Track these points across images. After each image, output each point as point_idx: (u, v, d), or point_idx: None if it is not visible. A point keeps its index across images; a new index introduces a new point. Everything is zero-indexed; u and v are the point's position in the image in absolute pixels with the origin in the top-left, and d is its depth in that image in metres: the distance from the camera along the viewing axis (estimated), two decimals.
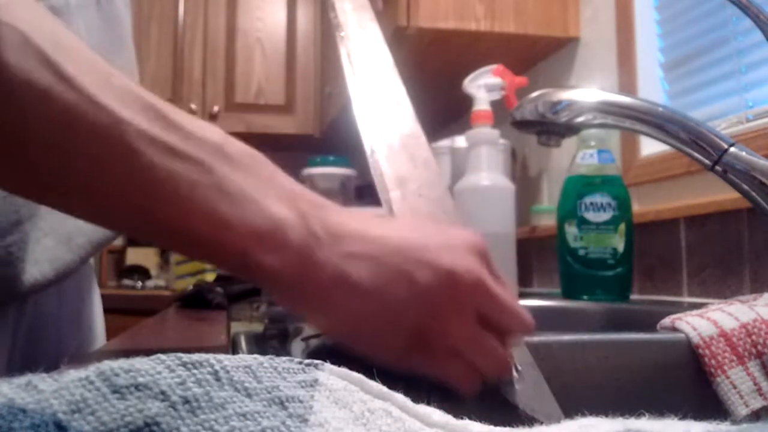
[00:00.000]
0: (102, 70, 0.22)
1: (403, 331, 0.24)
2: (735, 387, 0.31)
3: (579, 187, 0.65)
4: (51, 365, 0.42)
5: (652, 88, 0.80)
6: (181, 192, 0.21)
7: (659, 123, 0.42)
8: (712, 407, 0.31)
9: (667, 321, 0.34)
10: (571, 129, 0.45)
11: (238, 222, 0.22)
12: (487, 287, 0.25)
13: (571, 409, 0.26)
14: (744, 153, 0.41)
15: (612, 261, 0.63)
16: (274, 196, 0.23)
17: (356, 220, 0.25)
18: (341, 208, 0.25)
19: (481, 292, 0.25)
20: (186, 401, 0.14)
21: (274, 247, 0.22)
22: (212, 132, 0.23)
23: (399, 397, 0.16)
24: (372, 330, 0.24)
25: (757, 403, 0.31)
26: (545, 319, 0.59)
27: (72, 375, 0.14)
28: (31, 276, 0.36)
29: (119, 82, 0.22)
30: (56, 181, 0.21)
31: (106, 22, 0.43)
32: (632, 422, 0.13)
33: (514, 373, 0.26)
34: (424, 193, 0.31)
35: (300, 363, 0.16)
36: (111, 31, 0.44)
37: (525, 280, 0.98)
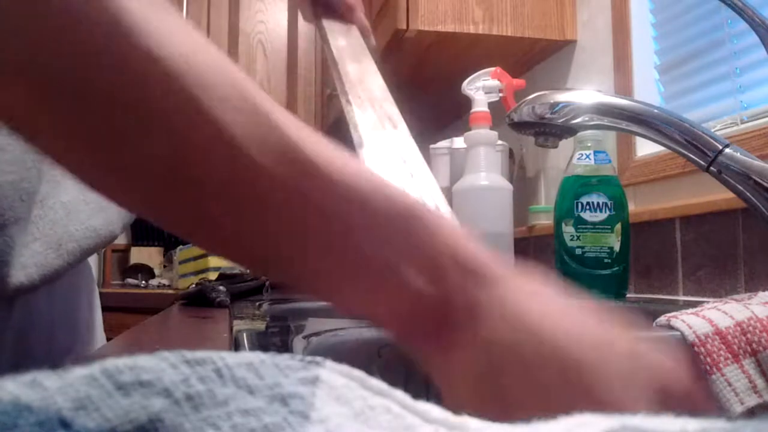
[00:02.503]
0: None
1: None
2: (730, 384, 0.31)
3: (576, 187, 0.66)
4: (42, 366, 0.42)
5: (648, 90, 0.80)
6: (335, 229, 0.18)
7: (655, 124, 0.43)
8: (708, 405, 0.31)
9: (663, 319, 0.34)
10: (568, 130, 0.46)
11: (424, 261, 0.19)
12: None
13: None
14: (738, 154, 0.41)
15: (608, 260, 0.64)
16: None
17: (530, 300, 0.19)
18: (510, 279, 0.19)
19: None
20: (189, 398, 0.14)
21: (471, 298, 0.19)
22: (357, 174, 0.19)
23: (399, 394, 0.17)
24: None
25: (752, 401, 0.31)
26: None
27: (76, 372, 0.14)
28: (16, 280, 0.36)
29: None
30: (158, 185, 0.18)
31: None
32: (629, 419, 0.13)
33: None
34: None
35: (301, 360, 0.16)
36: None
37: None
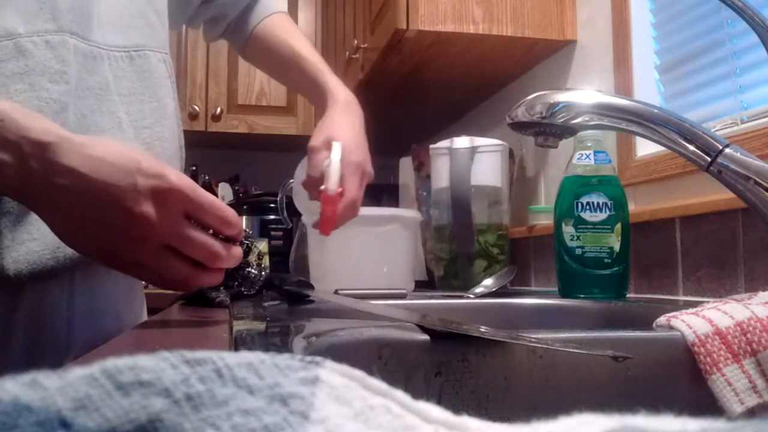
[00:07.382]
0: None
1: (113, 239, 0.33)
2: (730, 384, 0.31)
3: (576, 187, 0.66)
4: (60, 357, 0.44)
5: (648, 90, 0.80)
6: None
7: (655, 124, 0.43)
8: (708, 405, 0.31)
9: (663, 319, 0.34)
10: (568, 130, 0.45)
11: None
12: (190, 193, 0.33)
13: (568, 406, 0.27)
14: (738, 154, 0.41)
15: (608, 260, 0.64)
16: None
17: (75, 155, 0.32)
18: (70, 145, 0.32)
19: (185, 195, 0.33)
20: (189, 398, 0.14)
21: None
22: None
23: (399, 393, 0.17)
24: (85, 239, 0.34)
25: (752, 401, 0.31)
26: (543, 318, 0.60)
27: (76, 372, 0.14)
28: (3, 270, 0.39)
29: None
30: None
31: (137, 73, 0.49)
32: (628, 419, 0.13)
33: None
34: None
35: (301, 360, 0.16)
36: (141, 81, 0.49)
37: (523, 279, 0.99)
